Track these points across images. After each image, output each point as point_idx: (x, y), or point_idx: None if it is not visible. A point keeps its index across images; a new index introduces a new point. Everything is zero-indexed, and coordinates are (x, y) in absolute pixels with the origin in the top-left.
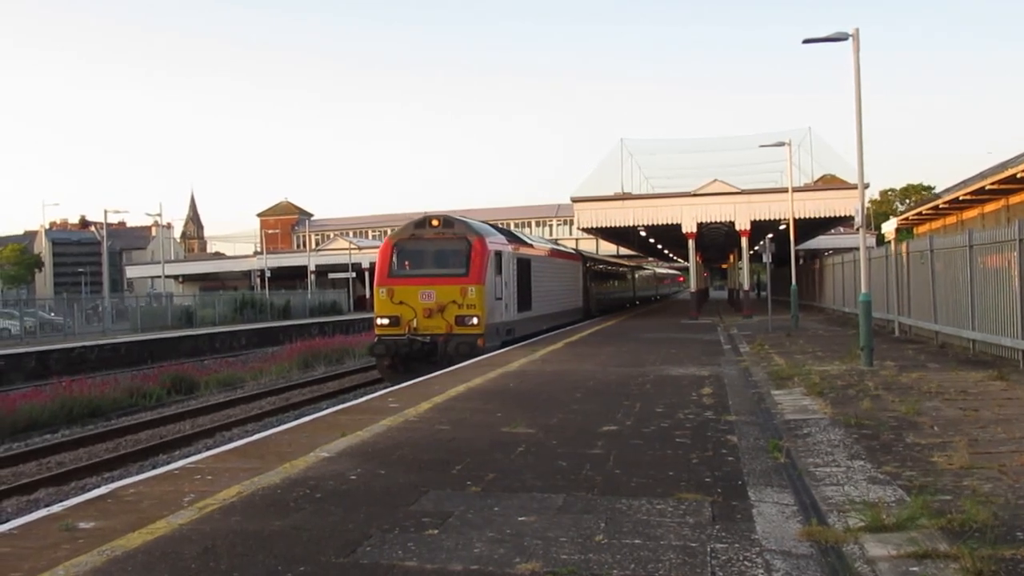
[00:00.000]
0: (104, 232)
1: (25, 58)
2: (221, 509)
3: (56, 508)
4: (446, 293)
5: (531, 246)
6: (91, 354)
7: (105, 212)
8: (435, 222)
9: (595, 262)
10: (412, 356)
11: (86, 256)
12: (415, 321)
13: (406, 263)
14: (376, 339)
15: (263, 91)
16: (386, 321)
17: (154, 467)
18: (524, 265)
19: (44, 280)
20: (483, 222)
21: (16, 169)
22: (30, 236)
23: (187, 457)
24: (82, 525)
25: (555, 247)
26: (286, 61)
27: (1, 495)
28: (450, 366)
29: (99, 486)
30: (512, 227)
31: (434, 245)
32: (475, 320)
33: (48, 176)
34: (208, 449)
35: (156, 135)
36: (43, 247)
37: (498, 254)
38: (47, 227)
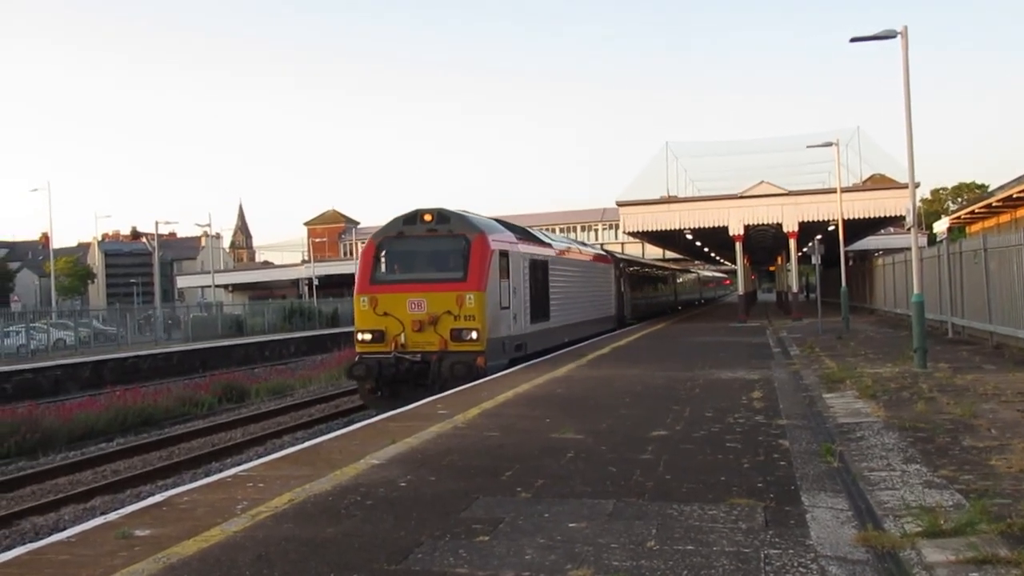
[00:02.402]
0: (155, 243)
1: (78, 73)
2: (273, 516)
3: (112, 516)
4: (439, 302)
5: (548, 245)
6: (144, 363)
7: (156, 223)
8: (427, 217)
9: (630, 264)
10: (400, 378)
11: (138, 267)
12: (403, 336)
13: (392, 266)
14: (356, 358)
15: (309, 100)
16: (368, 336)
17: (207, 475)
18: (539, 268)
19: (97, 291)
20: (496, 219)
21: (69, 183)
22: (83, 248)
23: (239, 465)
24: (138, 532)
25: (581, 247)
26: (329, 69)
27: (58, 503)
28: (444, 391)
29: (154, 494)
30: (557, 232)
31: (426, 245)
32: (474, 334)
33: (100, 189)
34: (259, 457)
35: (205, 146)
36: (96, 259)
37: (504, 254)
38: (100, 239)
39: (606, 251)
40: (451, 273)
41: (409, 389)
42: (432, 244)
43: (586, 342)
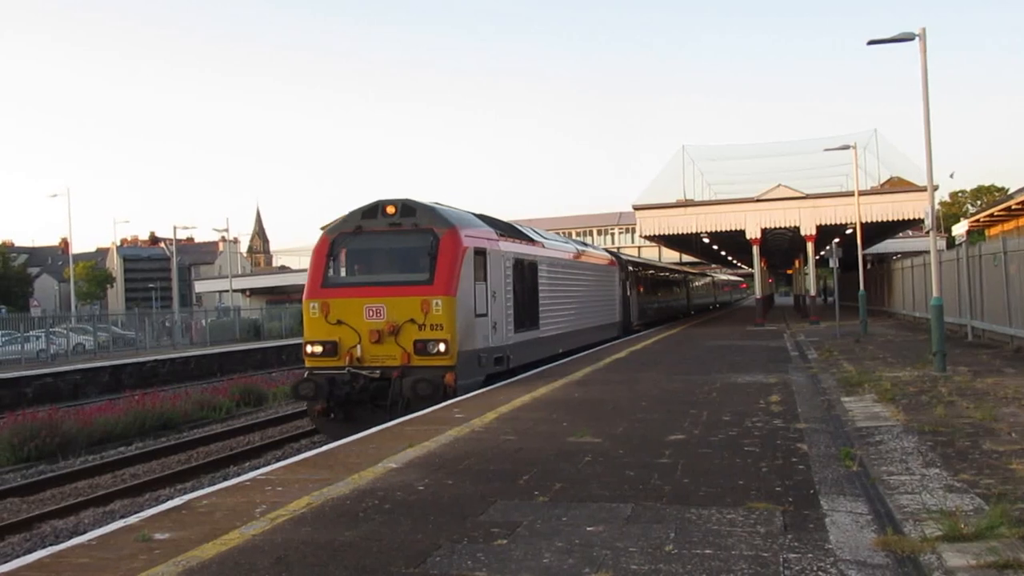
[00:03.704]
0: (173, 248)
1: (97, 78)
2: (292, 520)
3: (132, 519)
4: (401, 308)
5: (538, 243)
6: (162, 368)
7: (174, 228)
8: (390, 209)
9: (637, 266)
10: (355, 398)
11: (156, 272)
12: (358, 348)
13: (348, 267)
14: (305, 374)
15: (328, 104)
16: (318, 349)
17: (225, 478)
18: (526, 269)
19: (116, 295)
20: (478, 215)
21: (89, 189)
22: (102, 253)
23: (257, 468)
24: (157, 536)
25: (580, 246)
26: (349, 74)
27: (78, 506)
28: (407, 413)
29: (173, 497)
30: (573, 236)
31: (387, 241)
32: (442, 346)
33: (119, 195)
34: (278, 460)
35: (223, 152)
36: (115, 263)
37: (480, 253)
38: (118, 244)
39: (610, 252)
40: (415, 274)
41: (367, 411)
42: (394, 241)
43: (581, 353)
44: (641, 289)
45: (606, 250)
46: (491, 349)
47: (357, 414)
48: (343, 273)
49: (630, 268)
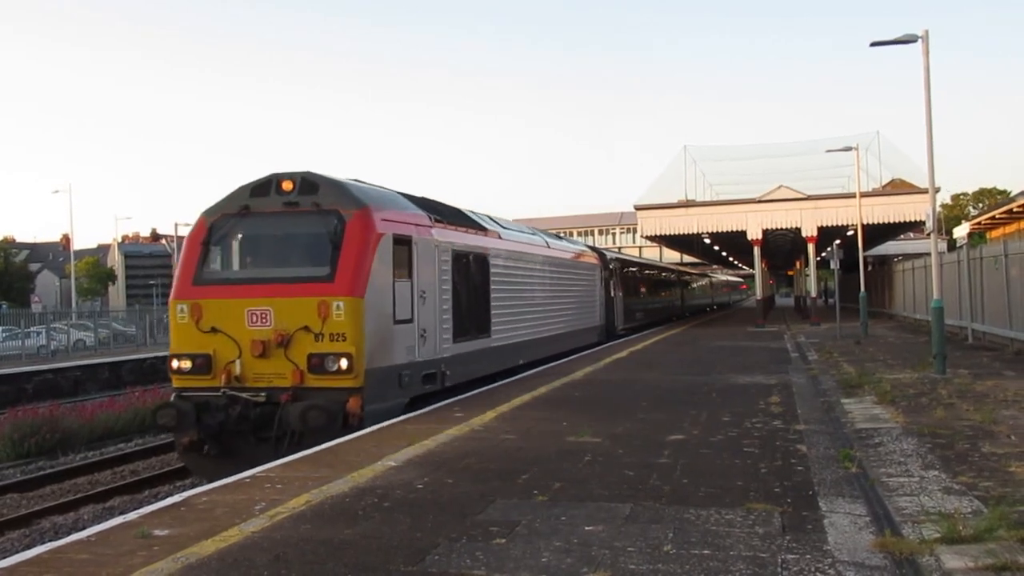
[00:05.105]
0: (174, 245)
1: (98, 75)
2: (291, 517)
3: (131, 515)
4: (293, 312)
5: (492, 233)
6: (162, 364)
7: (175, 225)
8: (286, 185)
9: (623, 264)
10: (233, 428)
11: (157, 268)
12: (238, 364)
13: (228, 259)
14: (171, 396)
15: (325, 103)
16: (187, 364)
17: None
18: (472, 263)
19: (117, 292)
20: (411, 197)
21: (90, 185)
22: (103, 249)
23: (257, 466)
24: (157, 532)
25: (552, 239)
26: (346, 72)
27: (78, 503)
28: (300, 448)
29: (172, 494)
30: (575, 236)
31: (280, 226)
32: (343, 362)
33: (120, 191)
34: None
35: (224, 148)
36: (116, 260)
37: (404, 241)
38: (120, 241)
39: (592, 248)
40: (312, 268)
41: (250, 444)
42: (289, 225)
43: (547, 365)
44: (628, 289)
45: (588, 246)
46: (417, 364)
47: (237, 447)
48: (221, 267)
49: (614, 266)
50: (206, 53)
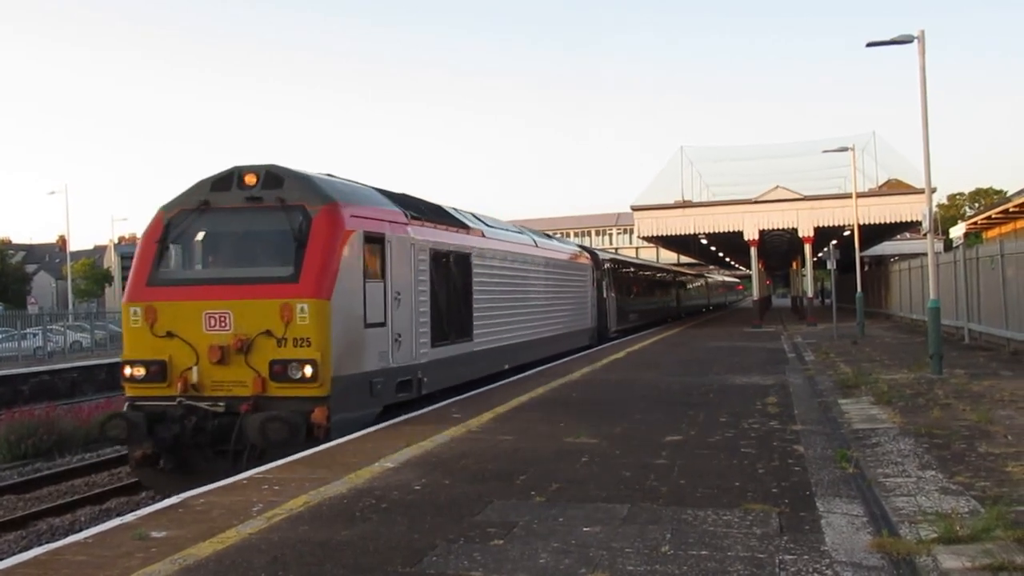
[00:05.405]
0: None
1: (94, 75)
2: (289, 519)
3: (129, 517)
4: (254, 315)
5: (475, 231)
6: None
7: None
8: (249, 178)
9: (617, 264)
10: (190, 440)
11: None
12: (195, 372)
13: (186, 258)
14: (125, 406)
15: (324, 103)
16: (140, 371)
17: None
18: (454, 263)
19: (114, 293)
20: (386, 192)
21: (86, 186)
22: (100, 251)
23: (255, 467)
24: (154, 534)
25: (538, 237)
26: (344, 72)
27: (75, 504)
28: (264, 462)
29: (169, 496)
30: (572, 237)
31: (242, 222)
32: (308, 369)
33: (117, 192)
34: (275, 459)
35: (220, 149)
36: (112, 261)
37: (376, 239)
38: (116, 242)
39: (584, 248)
40: (274, 268)
41: (208, 457)
42: (252, 221)
43: (545, 366)
44: (621, 290)
45: (580, 246)
46: (391, 371)
47: (195, 461)
48: (178, 266)
49: (607, 266)
50: (206, 53)
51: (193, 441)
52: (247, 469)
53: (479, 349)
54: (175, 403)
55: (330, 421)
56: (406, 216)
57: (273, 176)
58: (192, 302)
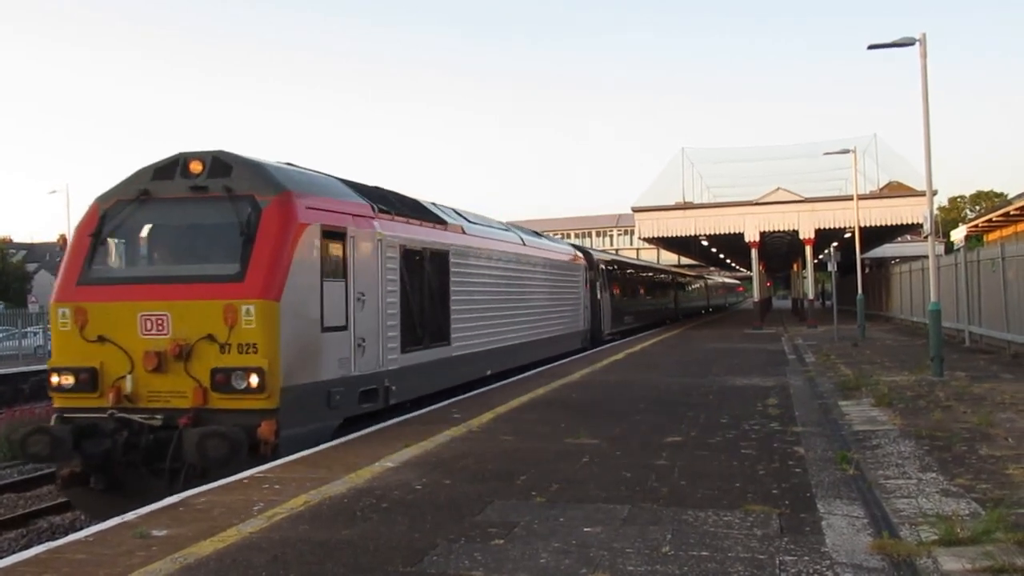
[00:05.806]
0: None
1: (94, 74)
2: (289, 518)
3: (130, 516)
4: (194, 317)
5: (453, 227)
6: None
7: None
8: (194, 166)
9: (611, 264)
10: (122, 457)
11: None
12: (129, 380)
13: (121, 254)
14: (53, 418)
15: (323, 103)
16: (69, 380)
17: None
18: (428, 261)
19: None
20: (349, 183)
21: (86, 185)
22: None
23: (255, 466)
24: (155, 533)
25: (527, 235)
26: (345, 73)
27: None
28: (206, 481)
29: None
30: (572, 238)
31: (185, 215)
32: (254, 379)
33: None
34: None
35: (218, 140)
36: None
37: (335, 235)
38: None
39: (576, 247)
40: (218, 265)
41: (141, 476)
42: (195, 213)
43: (544, 367)
44: (616, 291)
45: (573, 245)
46: (353, 379)
47: (128, 480)
48: (112, 263)
49: (601, 266)
50: (206, 53)
51: (125, 458)
52: (184, 490)
53: (458, 354)
54: (106, 415)
55: (279, 436)
56: (373, 209)
57: (221, 163)
58: (126, 303)
